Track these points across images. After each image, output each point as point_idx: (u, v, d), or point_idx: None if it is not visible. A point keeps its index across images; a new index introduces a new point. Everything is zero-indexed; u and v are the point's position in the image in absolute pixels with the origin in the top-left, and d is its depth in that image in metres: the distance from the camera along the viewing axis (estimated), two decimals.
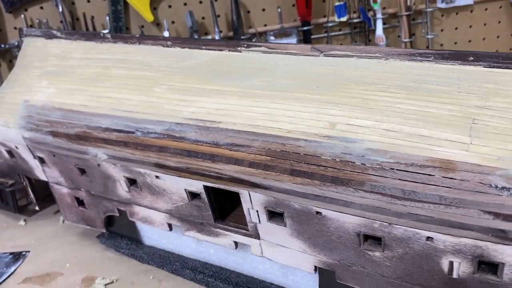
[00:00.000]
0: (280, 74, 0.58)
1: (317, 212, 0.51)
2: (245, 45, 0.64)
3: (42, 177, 0.81)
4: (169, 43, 0.70)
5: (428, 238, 0.46)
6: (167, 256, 0.75)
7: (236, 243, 0.62)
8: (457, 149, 0.43)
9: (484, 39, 1.39)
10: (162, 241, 0.76)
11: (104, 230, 0.80)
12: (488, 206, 0.42)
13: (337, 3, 1.29)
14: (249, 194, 0.54)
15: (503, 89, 0.47)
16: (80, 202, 0.79)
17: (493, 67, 0.50)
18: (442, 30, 1.36)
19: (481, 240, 0.43)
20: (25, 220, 0.96)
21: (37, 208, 0.94)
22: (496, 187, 0.41)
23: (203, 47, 0.67)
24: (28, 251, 0.85)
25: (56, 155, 0.73)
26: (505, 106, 0.45)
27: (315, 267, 0.56)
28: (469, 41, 1.39)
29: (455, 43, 1.38)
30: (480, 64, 0.50)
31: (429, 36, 1.31)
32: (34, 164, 0.80)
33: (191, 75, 0.62)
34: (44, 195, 0.93)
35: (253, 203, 0.55)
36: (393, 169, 0.44)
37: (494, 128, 0.44)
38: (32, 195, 0.91)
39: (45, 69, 0.77)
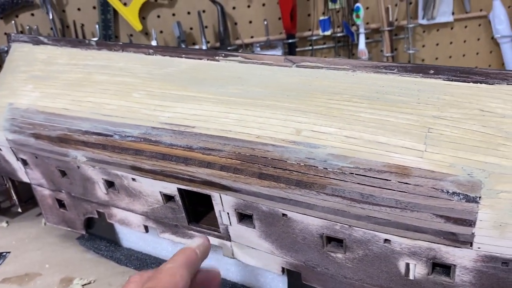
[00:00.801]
0: (253, 83, 0.60)
1: (283, 214, 0.53)
2: (223, 55, 0.67)
3: (25, 179, 0.83)
4: (150, 51, 0.72)
5: (386, 240, 0.48)
6: (144, 259, 0.77)
7: None
8: (412, 156, 0.46)
9: (464, 55, 1.43)
10: (139, 244, 0.78)
11: (84, 232, 0.82)
12: (440, 210, 0.44)
13: (321, 18, 1.32)
14: (220, 197, 0.56)
15: (458, 101, 0.50)
16: (61, 204, 0.81)
17: (452, 80, 0.53)
18: (423, 46, 1.40)
19: (434, 243, 0.46)
20: (7, 222, 0.97)
21: (19, 210, 0.95)
22: (447, 192, 0.44)
23: (183, 56, 0.70)
24: (9, 252, 0.86)
25: (38, 157, 0.74)
26: (459, 117, 0.48)
27: (283, 268, 0.58)
28: (450, 57, 1.43)
29: (436, 58, 1.43)
30: (440, 77, 0.53)
31: (411, 51, 1.35)
32: (17, 166, 0.81)
33: (170, 81, 0.64)
34: (27, 198, 0.95)
35: (224, 206, 0.57)
36: (353, 173, 0.47)
37: (447, 137, 0.46)
38: (15, 197, 0.92)
39: (30, 74, 0.79)
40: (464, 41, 1.41)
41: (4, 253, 0.86)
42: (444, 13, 1.35)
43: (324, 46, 1.38)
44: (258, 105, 0.56)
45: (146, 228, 0.70)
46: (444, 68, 0.53)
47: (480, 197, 0.43)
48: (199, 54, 0.69)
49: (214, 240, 0.63)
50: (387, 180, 0.46)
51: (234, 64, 0.66)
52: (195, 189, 0.58)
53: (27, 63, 0.82)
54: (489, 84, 0.51)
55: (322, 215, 0.50)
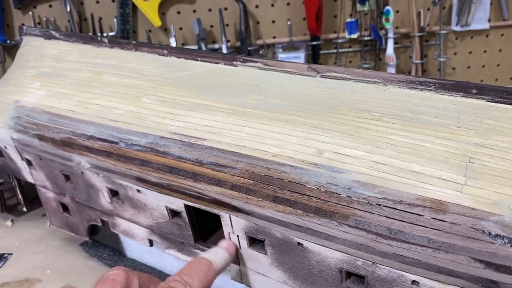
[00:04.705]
0: (272, 93, 0.55)
1: (299, 243, 0.48)
2: (241, 60, 0.62)
3: (30, 179, 0.79)
4: (165, 51, 0.68)
5: (414, 282, 0.43)
6: (147, 272, 0.72)
7: None
8: (450, 189, 0.40)
9: (498, 65, 1.35)
10: (144, 255, 0.74)
11: (87, 239, 0.78)
12: (479, 254, 0.38)
13: (348, 20, 1.26)
14: (230, 218, 0.51)
15: (505, 127, 0.44)
16: (65, 208, 0.77)
17: (497, 102, 0.46)
18: (455, 54, 1.33)
19: None
20: (12, 221, 0.94)
21: (24, 209, 0.92)
22: (490, 234, 0.38)
23: (199, 59, 0.65)
24: (11, 254, 0.83)
25: (42, 159, 0.71)
26: (506, 146, 0.42)
27: None
28: (483, 66, 1.35)
29: (468, 67, 1.35)
30: (483, 98, 0.47)
31: (442, 59, 1.27)
32: (22, 165, 0.78)
33: (182, 87, 0.60)
34: (33, 197, 0.91)
35: (233, 227, 0.52)
36: (380, 205, 0.41)
37: (492, 169, 0.40)
38: (20, 196, 0.89)
39: (39, 70, 0.75)
40: (500, 50, 1.33)
41: (6, 255, 0.83)
42: (479, 20, 1.27)
43: (350, 49, 1.32)
44: (277, 119, 0.50)
45: (151, 242, 0.65)
46: (489, 87, 0.47)
47: None
48: (216, 58, 0.64)
49: None
50: (419, 215, 0.40)
51: (253, 70, 0.60)
52: (203, 207, 0.53)
53: (37, 59, 0.78)
54: None
55: (342, 249, 0.45)
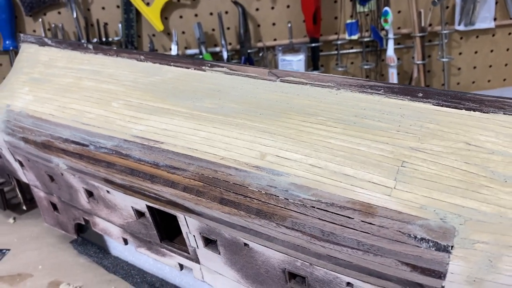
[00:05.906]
0: (231, 97, 0.57)
1: (245, 244, 0.49)
2: (209, 65, 0.63)
3: (24, 179, 0.84)
4: (141, 57, 0.70)
5: (348, 283, 0.44)
6: (129, 269, 0.75)
7: (181, 265, 0.61)
8: (379, 193, 0.41)
9: (506, 65, 1.32)
10: (125, 253, 0.77)
11: (75, 236, 0.81)
12: (406, 257, 0.39)
13: (348, 21, 1.26)
14: (185, 218, 0.53)
15: (443, 131, 0.44)
16: (55, 207, 0.81)
17: (442, 106, 0.46)
18: (460, 54, 1.30)
19: None
20: (14, 218, 0.99)
21: (24, 207, 0.97)
22: (415, 237, 0.38)
23: (172, 64, 0.67)
24: (9, 250, 0.88)
25: (30, 160, 0.74)
26: (440, 150, 0.42)
27: None
28: (490, 66, 1.32)
29: (474, 67, 1.32)
30: (429, 102, 0.47)
31: (444, 59, 1.25)
32: (16, 166, 0.82)
33: (150, 91, 0.62)
34: (32, 196, 0.96)
35: (189, 228, 0.54)
36: (314, 207, 0.42)
37: (422, 173, 0.41)
38: (20, 195, 0.94)
39: (30, 76, 0.79)
40: (507, 50, 1.30)
41: (4, 250, 0.87)
42: (484, 19, 1.24)
43: (351, 50, 1.31)
44: (228, 123, 0.52)
45: (125, 241, 0.68)
46: (434, 91, 0.47)
47: (452, 246, 0.37)
48: (187, 63, 0.66)
49: (185, 261, 0.60)
50: (349, 217, 0.41)
51: (219, 75, 0.62)
52: (161, 208, 0.55)
53: (30, 65, 0.82)
54: (483, 112, 0.44)
55: (282, 249, 0.46)
